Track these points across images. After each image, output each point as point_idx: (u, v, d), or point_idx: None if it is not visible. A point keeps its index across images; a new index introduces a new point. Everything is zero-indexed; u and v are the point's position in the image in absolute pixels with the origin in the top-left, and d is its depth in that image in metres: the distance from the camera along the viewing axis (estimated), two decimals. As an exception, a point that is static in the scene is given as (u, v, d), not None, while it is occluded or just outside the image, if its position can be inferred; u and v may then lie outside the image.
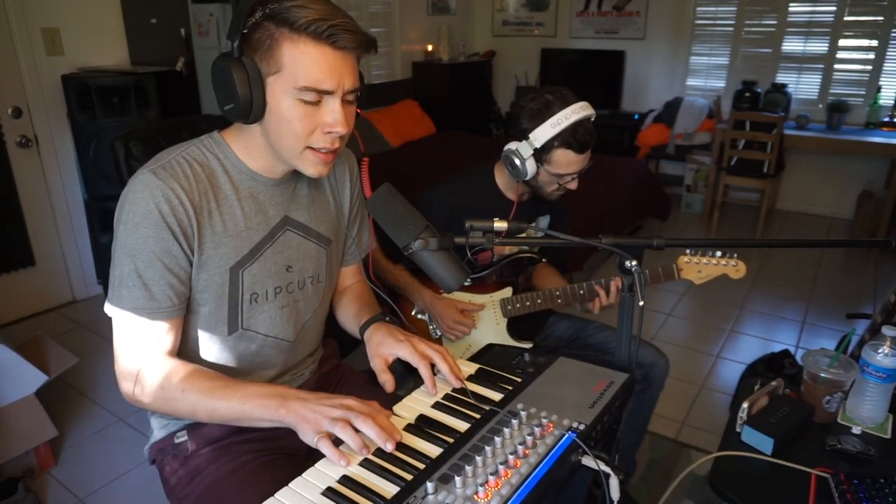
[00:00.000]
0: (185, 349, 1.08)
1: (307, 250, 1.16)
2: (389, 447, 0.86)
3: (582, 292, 1.62)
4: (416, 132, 4.99)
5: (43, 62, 2.97)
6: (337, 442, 0.87)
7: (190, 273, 1.02)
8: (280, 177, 1.09)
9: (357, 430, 0.87)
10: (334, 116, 0.97)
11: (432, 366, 1.07)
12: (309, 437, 0.88)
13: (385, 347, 1.10)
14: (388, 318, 1.20)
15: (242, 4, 0.93)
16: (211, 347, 1.09)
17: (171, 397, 0.98)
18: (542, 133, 1.49)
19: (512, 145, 1.55)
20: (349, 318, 1.29)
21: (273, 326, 1.13)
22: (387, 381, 1.06)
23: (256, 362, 1.15)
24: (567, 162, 1.55)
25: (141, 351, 1.00)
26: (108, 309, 1.00)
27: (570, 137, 1.50)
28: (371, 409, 0.92)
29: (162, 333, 1.01)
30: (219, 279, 1.04)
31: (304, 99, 0.94)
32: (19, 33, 2.86)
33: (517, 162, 1.53)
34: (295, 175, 1.12)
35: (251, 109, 0.95)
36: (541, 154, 1.53)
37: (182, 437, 1.12)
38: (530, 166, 1.53)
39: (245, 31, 0.93)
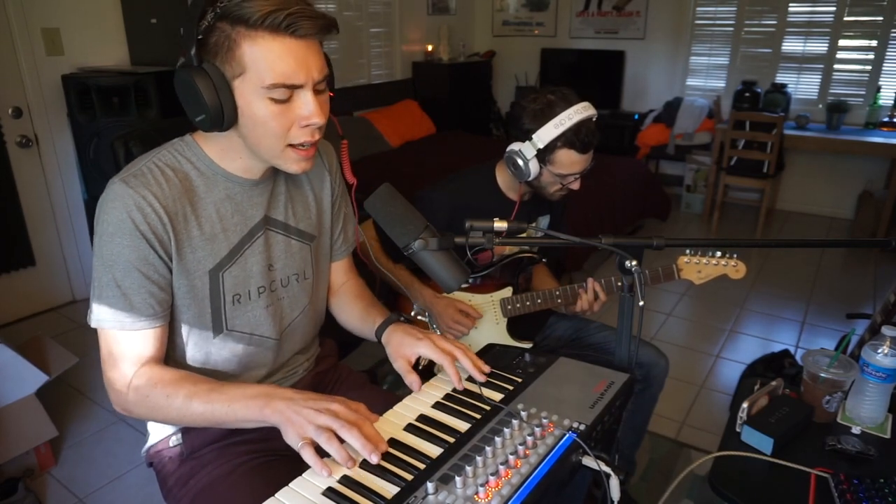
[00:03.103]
0: (172, 355, 1.07)
1: (289, 248, 1.15)
2: (375, 459, 0.83)
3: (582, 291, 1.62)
4: (416, 132, 4.99)
5: (43, 62, 2.97)
6: (322, 450, 0.84)
7: (170, 279, 1.00)
8: (259, 177, 1.07)
9: (342, 441, 0.84)
10: (309, 108, 0.94)
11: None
12: (293, 441, 0.85)
13: (406, 347, 1.10)
14: (402, 318, 1.19)
15: (192, 8, 0.89)
16: (198, 351, 1.08)
17: (157, 404, 0.97)
18: (546, 133, 1.49)
19: (515, 146, 1.54)
20: (355, 319, 1.27)
21: (258, 325, 1.12)
22: (413, 381, 1.05)
23: (245, 362, 1.14)
24: (570, 162, 1.54)
25: (126, 360, 0.99)
26: (91, 320, 0.99)
27: (573, 137, 1.50)
28: (357, 417, 0.88)
29: (145, 342, 0.99)
30: (199, 283, 1.03)
31: (275, 97, 0.91)
32: (19, 33, 2.86)
33: (520, 162, 1.53)
34: (273, 173, 1.10)
35: (223, 117, 0.92)
36: (544, 154, 1.53)
37: (178, 440, 1.12)
38: (533, 167, 1.53)
39: (200, 37, 0.89)
